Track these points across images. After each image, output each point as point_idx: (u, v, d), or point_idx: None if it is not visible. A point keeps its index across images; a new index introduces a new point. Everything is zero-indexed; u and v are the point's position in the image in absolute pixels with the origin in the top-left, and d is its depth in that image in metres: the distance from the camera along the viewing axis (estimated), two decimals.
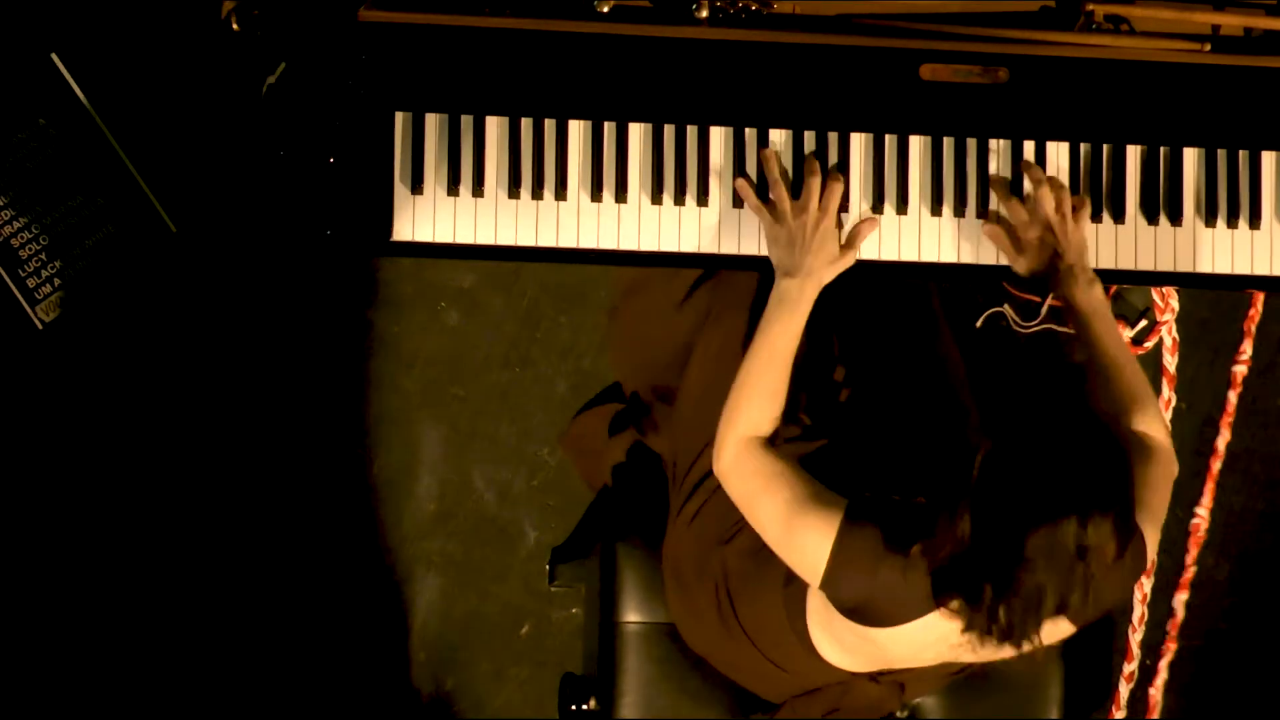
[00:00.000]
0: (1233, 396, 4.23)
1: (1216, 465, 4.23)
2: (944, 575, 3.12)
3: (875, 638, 3.26)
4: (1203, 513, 4.22)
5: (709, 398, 3.58)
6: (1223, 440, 4.23)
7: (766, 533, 3.34)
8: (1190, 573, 4.22)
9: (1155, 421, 3.41)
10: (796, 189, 3.52)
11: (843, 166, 3.54)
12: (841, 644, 3.36)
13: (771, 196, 3.49)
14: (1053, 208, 3.47)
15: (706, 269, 3.74)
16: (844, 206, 3.54)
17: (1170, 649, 4.22)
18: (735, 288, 3.68)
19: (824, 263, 3.44)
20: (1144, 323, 4.20)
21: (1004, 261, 3.53)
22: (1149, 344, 4.18)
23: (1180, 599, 4.23)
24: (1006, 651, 3.17)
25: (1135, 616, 4.19)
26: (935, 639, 3.23)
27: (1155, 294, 4.15)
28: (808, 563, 3.27)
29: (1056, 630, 3.20)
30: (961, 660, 3.27)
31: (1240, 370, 4.23)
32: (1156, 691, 4.21)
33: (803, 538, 3.27)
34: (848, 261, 3.47)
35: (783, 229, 3.46)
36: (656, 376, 3.82)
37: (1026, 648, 3.13)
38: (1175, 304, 4.17)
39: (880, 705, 3.55)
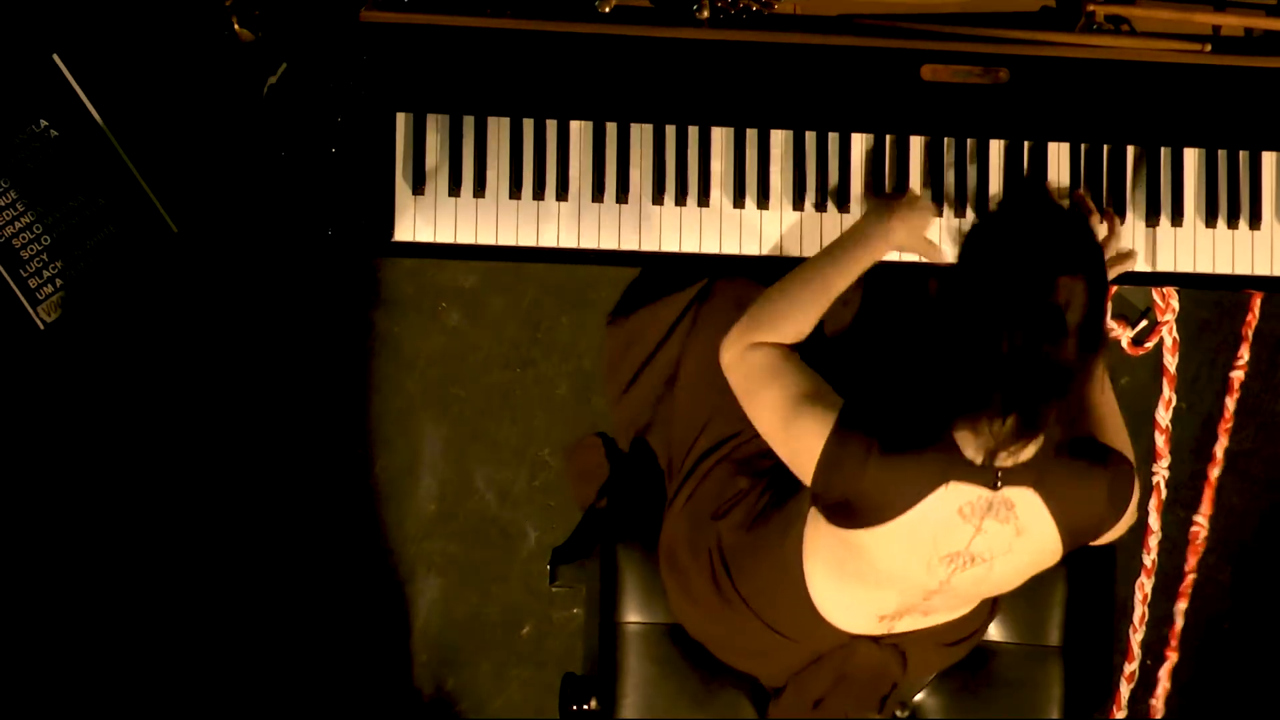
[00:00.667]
0: (1230, 403, 4.23)
1: (1215, 472, 4.22)
2: (948, 401, 3.15)
3: (865, 544, 3.28)
4: (1202, 520, 4.22)
5: (703, 392, 3.59)
6: (1220, 447, 4.23)
7: (762, 424, 3.37)
8: (1189, 580, 4.22)
9: (1106, 389, 3.46)
10: (801, 188, 3.53)
11: (843, 166, 3.54)
12: (837, 572, 3.38)
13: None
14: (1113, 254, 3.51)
15: (698, 281, 3.75)
16: (845, 206, 3.54)
17: (1171, 657, 4.22)
18: (731, 291, 3.69)
19: (908, 231, 3.48)
20: (1144, 323, 4.20)
21: None
22: (1149, 344, 4.18)
23: (1180, 607, 4.22)
24: (995, 545, 3.22)
25: (1136, 617, 4.20)
26: (929, 533, 3.24)
27: (1156, 294, 4.15)
28: (801, 456, 3.30)
29: (1040, 544, 3.25)
30: (951, 580, 3.30)
31: (1238, 376, 4.23)
32: (1158, 701, 4.21)
33: (797, 434, 3.30)
34: (922, 245, 3.50)
35: (881, 199, 3.52)
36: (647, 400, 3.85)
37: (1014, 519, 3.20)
38: (1176, 304, 4.17)
39: (884, 671, 3.55)
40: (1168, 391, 4.19)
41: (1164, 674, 4.22)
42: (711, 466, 3.54)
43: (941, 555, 3.27)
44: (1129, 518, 3.36)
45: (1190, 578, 4.22)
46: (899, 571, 3.32)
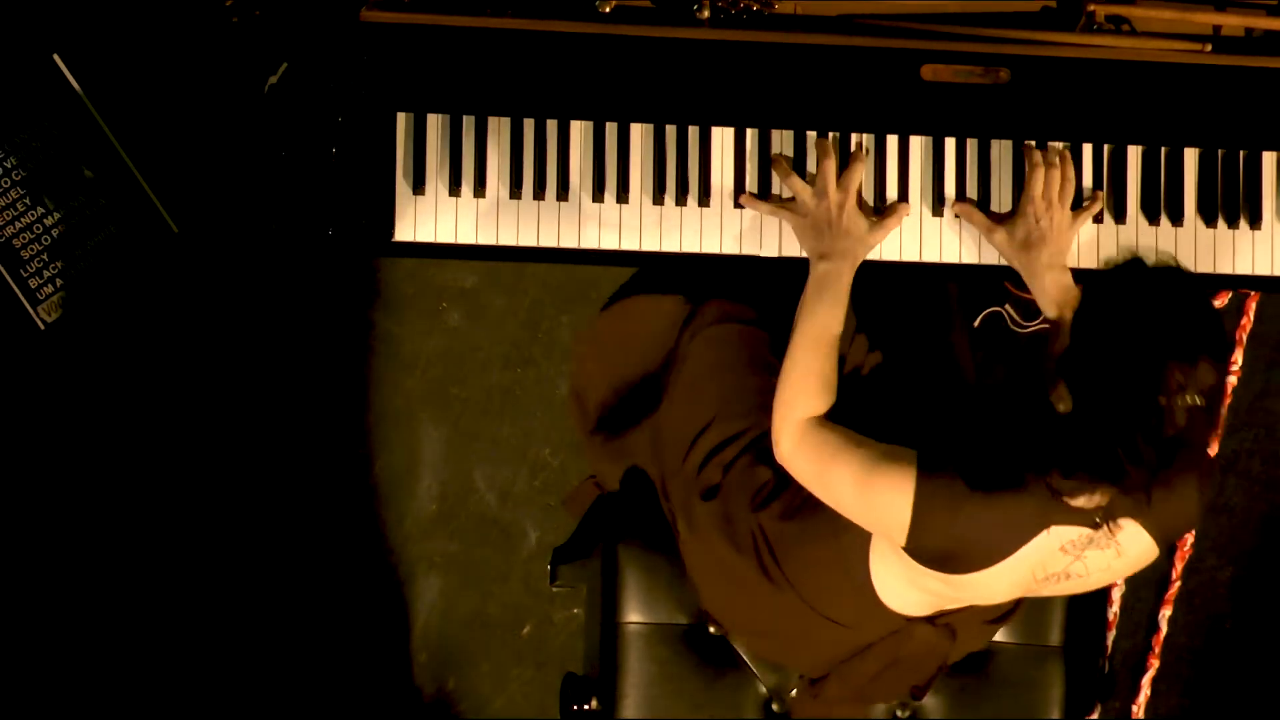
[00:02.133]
0: (1222, 409, 4.23)
1: None
2: (1064, 463, 3.12)
3: (961, 582, 3.26)
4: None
5: (703, 395, 3.58)
6: (1212, 452, 4.22)
7: (842, 504, 3.33)
8: (1175, 589, 4.22)
9: None
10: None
11: (844, 167, 3.54)
12: (912, 584, 3.35)
13: (788, 191, 3.49)
14: (1056, 192, 3.48)
15: (695, 296, 3.74)
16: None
17: (1153, 665, 4.21)
18: (719, 308, 3.68)
19: (856, 241, 3.46)
20: None
21: (1004, 261, 3.53)
22: None
23: (1164, 614, 4.22)
24: (1097, 562, 3.21)
25: (1110, 614, 4.19)
26: (1030, 566, 3.22)
27: None
28: (891, 523, 3.25)
29: (1143, 545, 3.23)
30: (1040, 591, 3.29)
31: (1230, 381, 4.23)
32: (1139, 709, 4.21)
33: (882, 499, 3.26)
34: (880, 237, 3.49)
35: (807, 220, 3.47)
36: (624, 382, 3.82)
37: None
38: None
39: (934, 649, 3.53)
40: None
41: (1145, 682, 4.21)
42: (731, 460, 3.52)
43: (1039, 579, 3.27)
44: None
45: (1175, 586, 4.22)
46: (987, 597, 3.32)
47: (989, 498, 3.18)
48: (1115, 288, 3.12)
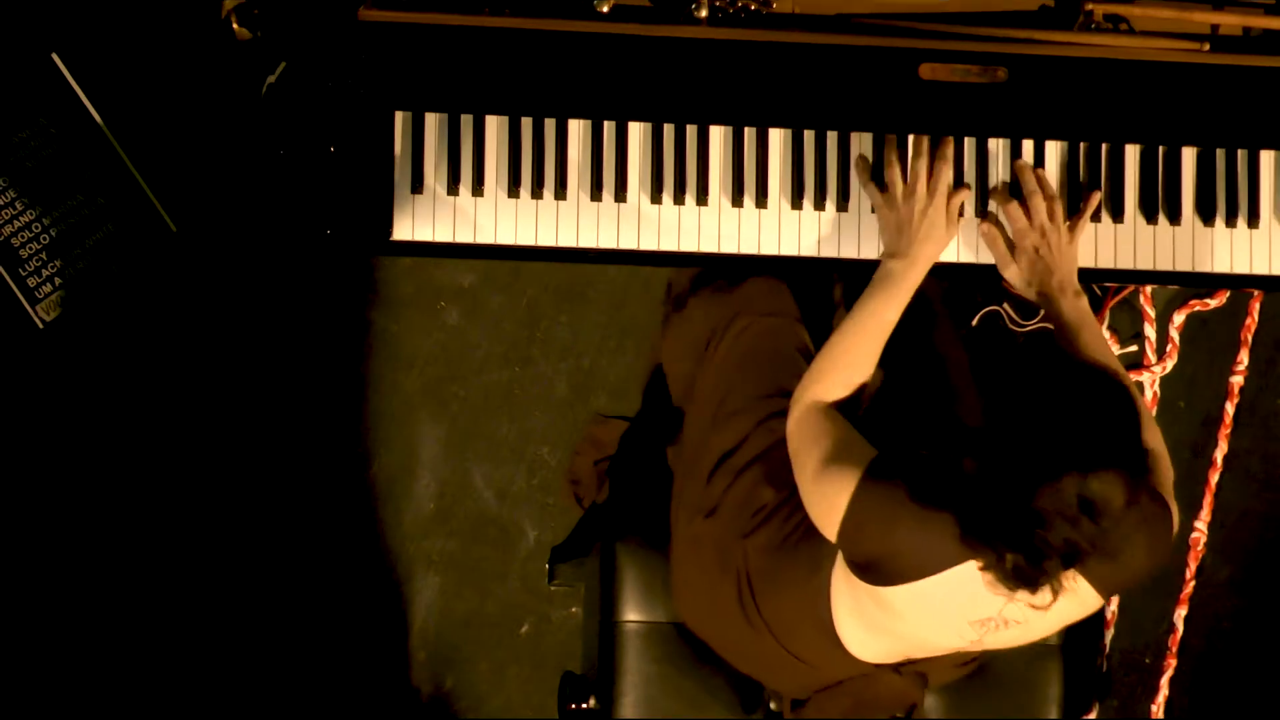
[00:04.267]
0: (1230, 408, 4.23)
1: (1215, 477, 4.22)
2: (970, 520, 3.11)
3: (894, 603, 3.25)
4: (1201, 526, 4.21)
5: (731, 381, 3.58)
6: (1220, 452, 4.22)
7: (802, 487, 3.35)
8: (1190, 588, 4.21)
9: (1151, 428, 3.41)
10: (799, 187, 3.53)
11: (842, 166, 3.54)
12: (865, 623, 3.35)
13: (886, 179, 3.51)
14: (1045, 217, 3.48)
15: (706, 269, 3.74)
16: (844, 205, 3.54)
17: (1171, 665, 4.21)
18: (757, 294, 3.68)
19: (932, 248, 3.48)
20: (1133, 347, 4.20)
21: (1012, 276, 3.54)
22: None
23: (1180, 614, 4.22)
24: (1030, 612, 3.17)
25: (1107, 613, 4.20)
26: (959, 601, 3.21)
27: (1149, 348, 4.17)
28: (827, 513, 3.27)
29: (1081, 599, 3.20)
30: (984, 640, 3.27)
31: (1237, 381, 4.23)
32: (1158, 708, 4.20)
33: (827, 489, 3.28)
34: (950, 240, 3.50)
35: (893, 214, 3.49)
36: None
37: (1047, 600, 3.12)
38: (1170, 364, 4.18)
39: (904, 697, 3.54)
40: None
41: (1164, 683, 4.21)
42: (740, 469, 3.52)
43: (972, 620, 3.25)
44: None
45: (1190, 585, 4.21)
46: (927, 635, 3.30)
47: (923, 513, 3.17)
48: (1030, 396, 3.12)
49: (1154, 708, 4.20)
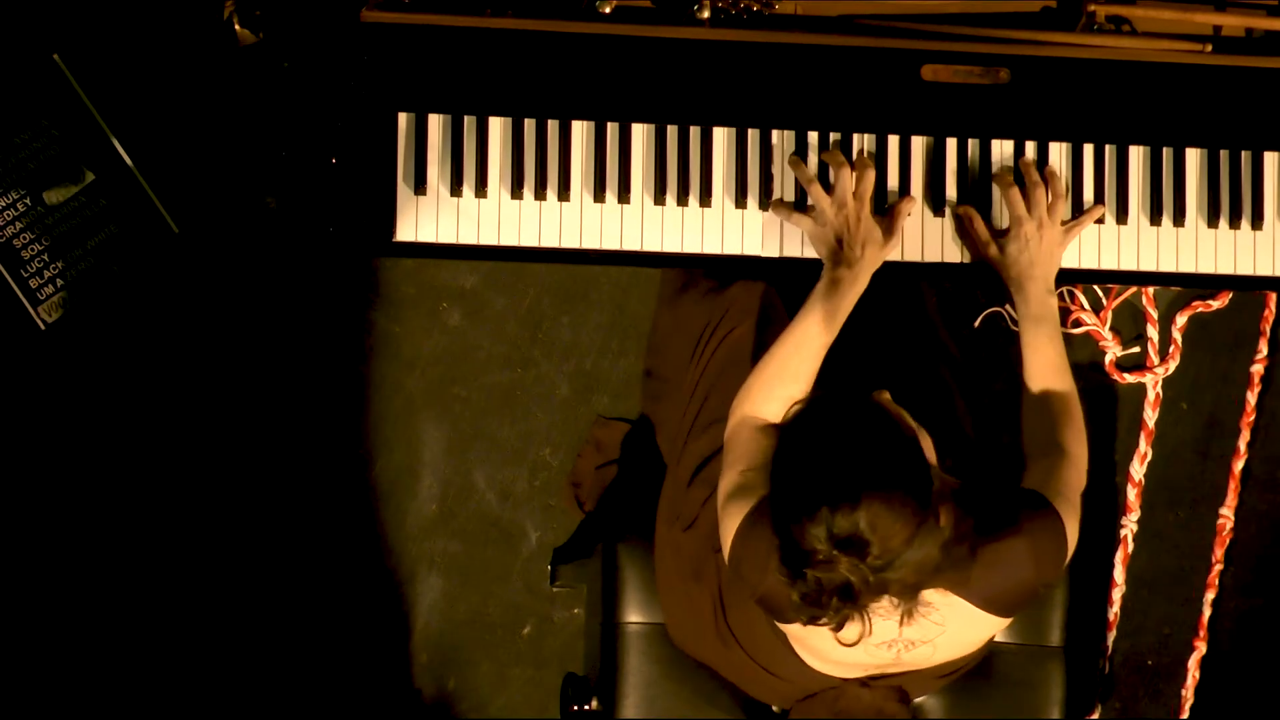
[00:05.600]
0: (1251, 397, 4.23)
1: (1239, 465, 4.22)
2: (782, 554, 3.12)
3: (800, 637, 3.26)
4: (1227, 513, 4.22)
5: (708, 401, 3.58)
6: (1243, 440, 4.23)
7: (719, 506, 3.34)
8: (1216, 571, 4.22)
9: (1077, 434, 3.41)
10: (803, 188, 3.53)
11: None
12: (803, 643, 3.36)
13: (810, 200, 3.49)
14: (1045, 210, 3.48)
15: (710, 271, 3.74)
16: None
17: (1199, 648, 4.21)
18: (745, 297, 3.68)
19: (874, 251, 3.46)
20: (1135, 349, 4.20)
21: (993, 254, 3.53)
22: (1129, 378, 4.18)
23: (1208, 597, 4.22)
24: (921, 632, 3.17)
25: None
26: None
27: (1152, 347, 4.17)
28: (724, 545, 3.29)
29: (970, 618, 3.20)
30: (901, 659, 3.26)
31: (1258, 370, 4.23)
32: (1188, 692, 4.21)
33: (726, 517, 3.29)
34: (895, 244, 3.49)
35: (828, 228, 3.47)
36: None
37: (892, 634, 3.13)
38: (1173, 366, 4.18)
39: (879, 711, 3.52)
40: (1144, 446, 4.18)
41: (1192, 664, 4.21)
42: (712, 488, 3.53)
43: (876, 644, 3.24)
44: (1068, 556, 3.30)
45: (1217, 569, 4.22)
46: (843, 656, 3.28)
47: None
48: (824, 414, 3.12)
49: (1184, 691, 4.20)
